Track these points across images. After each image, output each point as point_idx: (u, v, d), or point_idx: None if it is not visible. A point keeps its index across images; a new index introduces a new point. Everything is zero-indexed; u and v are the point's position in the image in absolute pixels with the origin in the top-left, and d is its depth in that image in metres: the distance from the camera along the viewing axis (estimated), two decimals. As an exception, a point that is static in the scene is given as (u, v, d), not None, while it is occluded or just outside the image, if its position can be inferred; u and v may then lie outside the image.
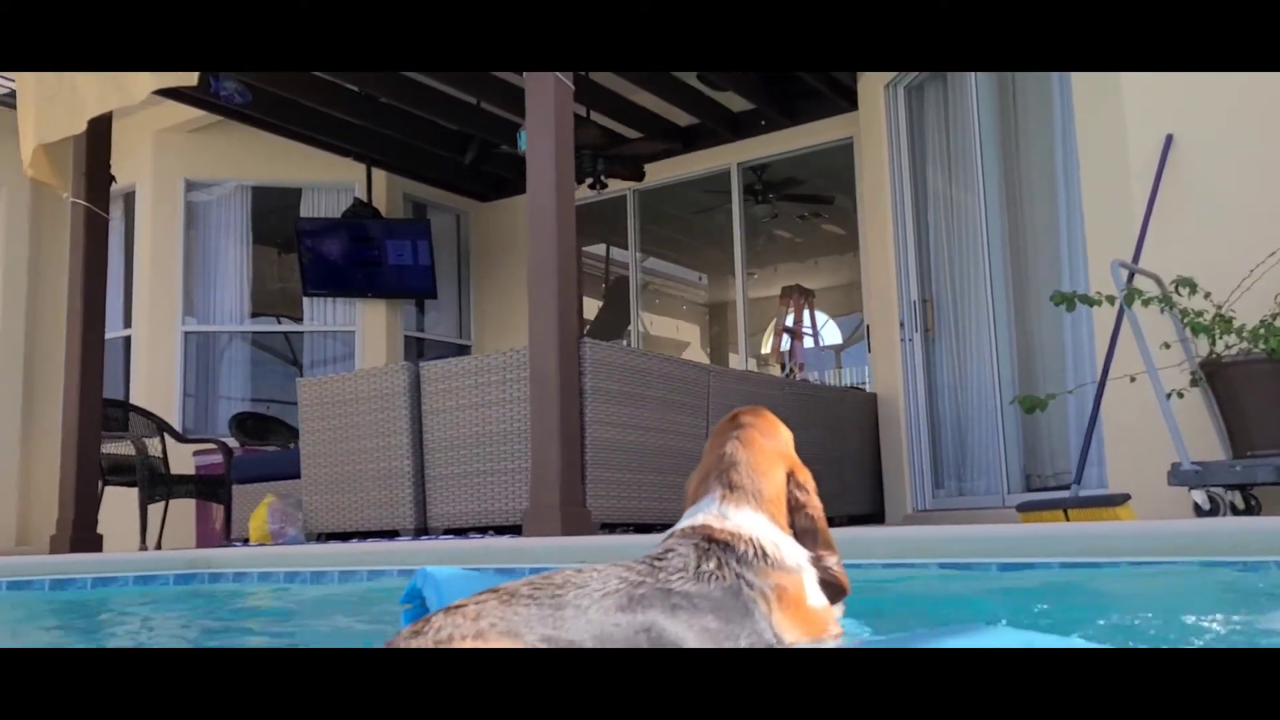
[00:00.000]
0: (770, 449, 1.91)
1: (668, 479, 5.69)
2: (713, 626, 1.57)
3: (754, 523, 1.74)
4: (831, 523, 6.66)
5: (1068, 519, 4.37)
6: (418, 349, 9.98)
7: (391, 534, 5.77)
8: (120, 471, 7.40)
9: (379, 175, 9.59)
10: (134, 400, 8.65)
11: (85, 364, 6.80)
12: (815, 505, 1.91)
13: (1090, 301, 4.57)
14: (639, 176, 8.88)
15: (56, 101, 6.47)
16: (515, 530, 5.30)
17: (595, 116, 8.70)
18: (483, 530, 5.47)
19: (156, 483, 7.30)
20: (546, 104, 5.21)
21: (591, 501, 5.18)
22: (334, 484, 5.92)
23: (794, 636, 1.69)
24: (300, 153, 9.12)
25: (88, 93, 6.26)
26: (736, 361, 12.34)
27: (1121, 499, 4.28)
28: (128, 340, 9.11)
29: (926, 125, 7.75)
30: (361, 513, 5.83)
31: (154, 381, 8.84)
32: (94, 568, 5.31)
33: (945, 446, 7.53)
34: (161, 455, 7.69)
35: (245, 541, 6.24)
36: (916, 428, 7.58)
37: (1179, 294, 4.49)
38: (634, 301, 10.43)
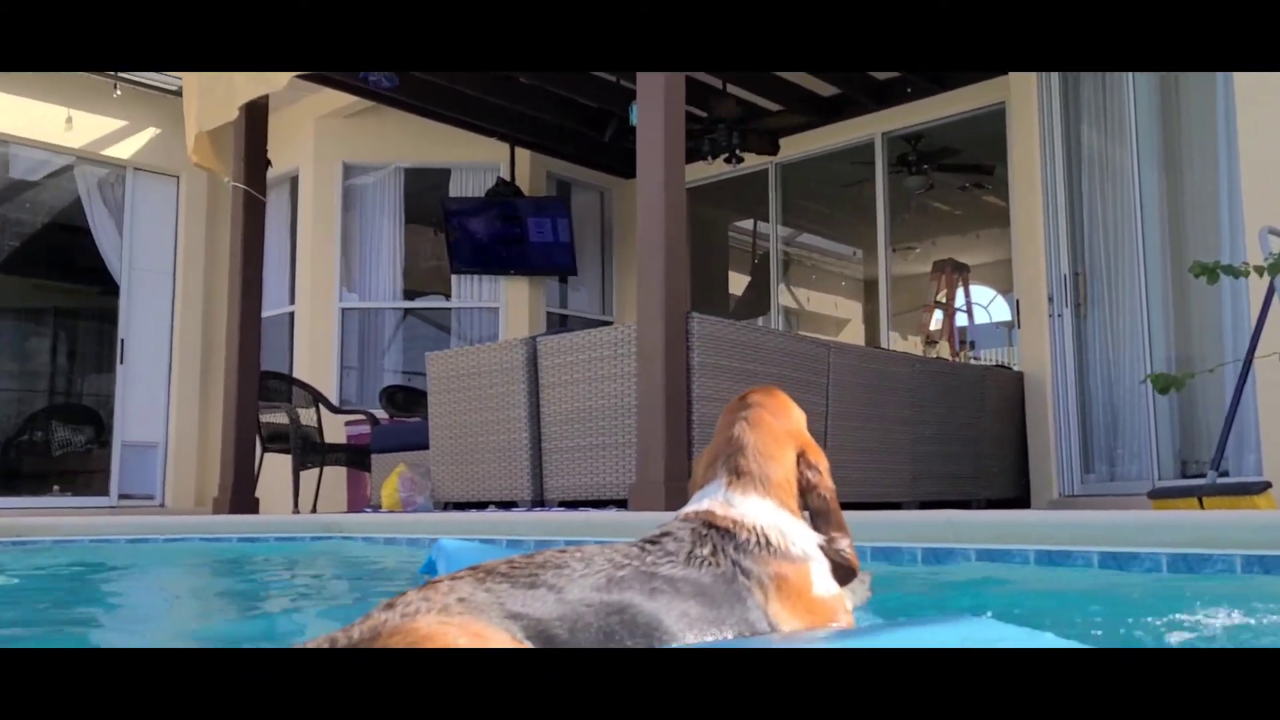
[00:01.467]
0: (780, 430, 1.84)
1: (783, 456, 5.59)
2: (694, 612, 1.54)
3: (759, 510, 1.71)
4: (968, 506, 6.49)
5: (1202, 508, 4.04)
6: (561, 325, 10.16)
7: (511, 504, 5.92)
8: (278, 440, 7.87)
9: (522, 154, 9.80)
10: (297, 373, 9.20)
11: (243, 338, 7.26)
12: (827, 486, 1.83)
13: (1234, 273, 4.19)
14: (773, 150, 8.72)
15: (214, 90, 6.91)
16: (624, 504, 5.34)
17: (732, 89, 8.60)
18: (594, 504, 5.53)
19: (309, 451, 7.73)
20: (656, 79, 5.18)
21: (699, 477, 5.15)
22: (459, 455, 6.12)
23: (793, 626, 1.64)
24: (448, 134, 9.42)
25: (238, 81, 6.65)
26: (893, 339, 12.02)
27: (1261, 487, 3.92)
28: (292, 316, 9.66)
29: (1081, 87, 7.28)
30: (483, 483, 6.00)
31: (315, 355, 9.36)
32: (240, 528, 5.69)
33: (1096, 428, 7.10)
34: (316, 425, 8.14)
35: (378, 508, 6.53)
36: (1065, 408, 7.18)
37: (1332, 263, 4.06)
38: (774, 276, 10.29)
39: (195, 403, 9.67)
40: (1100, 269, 7.06)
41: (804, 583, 1.67)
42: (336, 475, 8.45)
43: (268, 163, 7.62)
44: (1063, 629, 1.73)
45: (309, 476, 8.05)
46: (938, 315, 11.43)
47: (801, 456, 1.81)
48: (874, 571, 2.07)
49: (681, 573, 1.57)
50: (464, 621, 1.40)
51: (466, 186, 9.86)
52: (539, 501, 5.75)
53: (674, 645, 1.48)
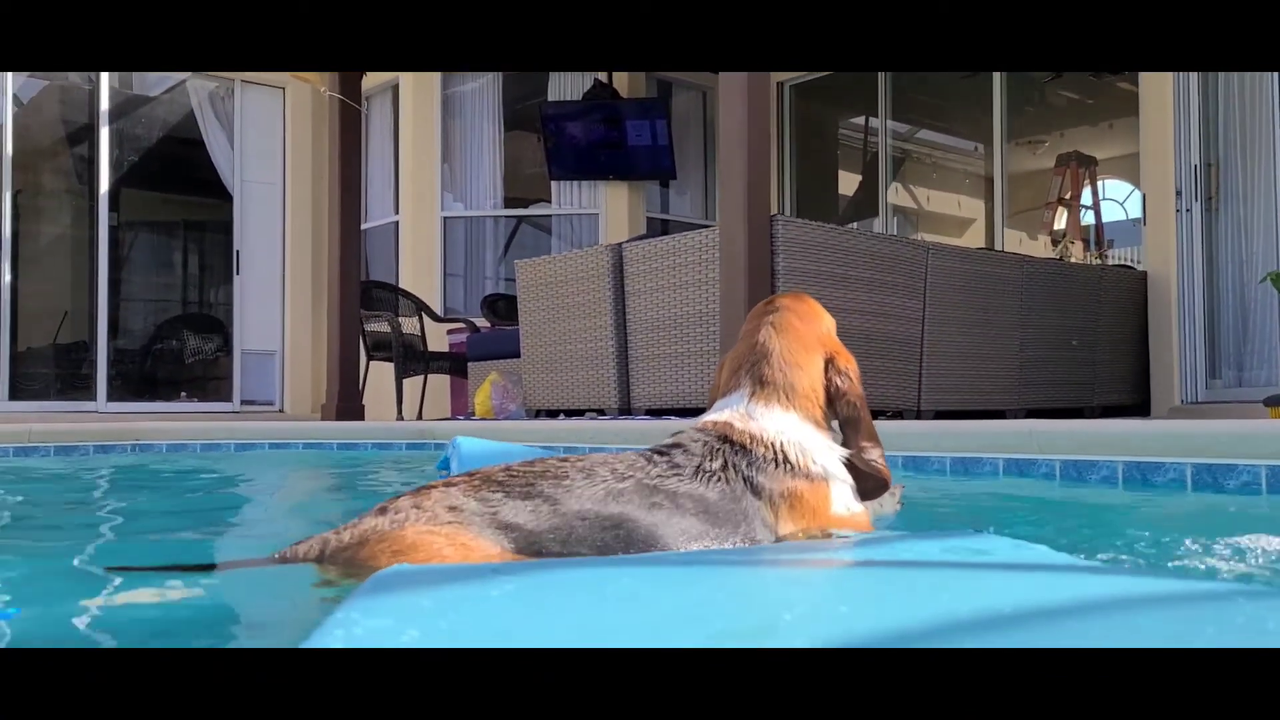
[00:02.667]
0: (808, 335, 1.75)
1: (875, 364, 5.41)
2: (695, 529, 1.48)
3: (781, 423, 1.63)
4: (1080, 414, 6.25)
5: (1321, 418, 3.73)
6: (662, 230, 10.03)
7: (599, 412, 5.93)
8: (382, 348, 8.06)
9: (620, 55, 9.56)
10: (402, 282, 9.36)
11: (344, 247, 7.41)
12: (856, 393, 1.73)
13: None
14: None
15: None
16: (709, 412, 5.27)
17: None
18: (679, 412, 5.49)
19: (411, 359, 7.89)
20: (738, -33, 4.92)
21: (784, 385, 5.04)
22: (549, 363, 6.14)
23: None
24: (544, 37, 9.24)
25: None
26: (1014, 238, 11.45)
27: (1387, 396, 3.58)
28: (397, 226, 9.81)
29: (1218, -43, 6.63)
30: (572, 391, 6.02)
31: (418, 264, 9.50)
32: (339, 434, 5.87)
33: (1223, 332, 6.65)
34: (419, 334, 8.29)
35: (471, 415, 6.64)
36: (1190, 310, 6.74)
37: None
38: (883, 176, 9.89)
39: (308, 312, 9.97)
40: (1234, 160, 6.52)
41: (820, 501, 1.59)
42: (442, 383, 8.64)
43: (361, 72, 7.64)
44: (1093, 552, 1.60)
45: (414, 384, 8.24)
46: (1064, 214, 10.82)
47: (830, 363, 1.72)
48: (904, 485, 1.97)
49: (686, 487, 1.51)
50: (451, 531, 1.38)
51: (565, 90, 9.73)
52: (625, 409, 5.74)
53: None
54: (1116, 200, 12.84)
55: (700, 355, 5.34)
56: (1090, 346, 6.76)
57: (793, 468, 1.59)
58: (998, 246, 9.15)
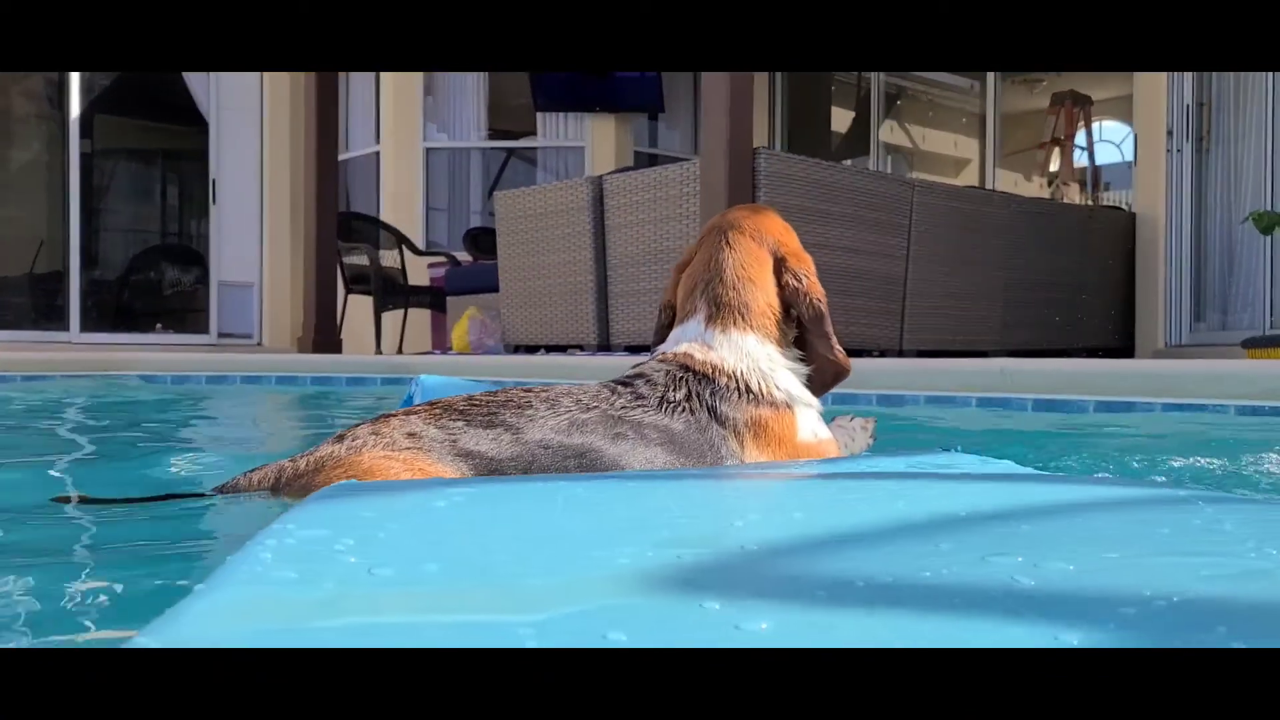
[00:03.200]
0: (760, 246, 1.69)
1: (857, 302, 5.34)
2: (660, 460, 1.46)
3: (741, 351, 1.59)
4: (1064, 356, 6.15)
5: (1302, 361, 3.68)
6: (650, 164, 9.87)
7: (578, 348, 5.85)
8: (362, 281, 7.94)
9: (608, -16, 9.33)
10: (383, 214, 9.21)
11: (320, 177, 7.26)
12: (817, 293, 1.68)
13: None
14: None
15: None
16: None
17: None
18: (659, 348, 5.42)
19: (390, 293, 7.78)
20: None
21: (763, 322, 4.97)
22: (527, 298, 6.05)
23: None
24: (529, -37, 9.00)
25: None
26: (1009, 180, 11.31)
27: (1369, 340, 3.53)
28: (378, 156, 9.62)
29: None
30: (551, 326, 5.94)
31: (399, 196, 9.34)
32: (312, 368, 5.79)
33: (1209, 274, 6.60)
34: (399, 267, 8.17)
35: (449, 350, 6.56)
36: (1177, 252, 6.68)
37: None
38: (874, 113, 9.73)
39: (287, 243, 9.81)
40: (1227, 100, 6.40)
41: (785, 429, 1.56)
42: (422, 317, 8.54)
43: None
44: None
45: (394, 319, 8.14)
46: (1058, 154, 10.67)
47: (782, 265, 1.67)
48: (876, 419, 1.92)
49: (651, 418, 1.48)
50: (409, 457, 1.36)
51: (550, 19, 9.49)
52: (605, 345, 5.67)
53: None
54: (1113, 142, 12.68)
55: (679, 291, 5.26)
56: (1077, 289, 6.70)
57: (755, 396, 1.56)
58: (989, 186, 9.04)
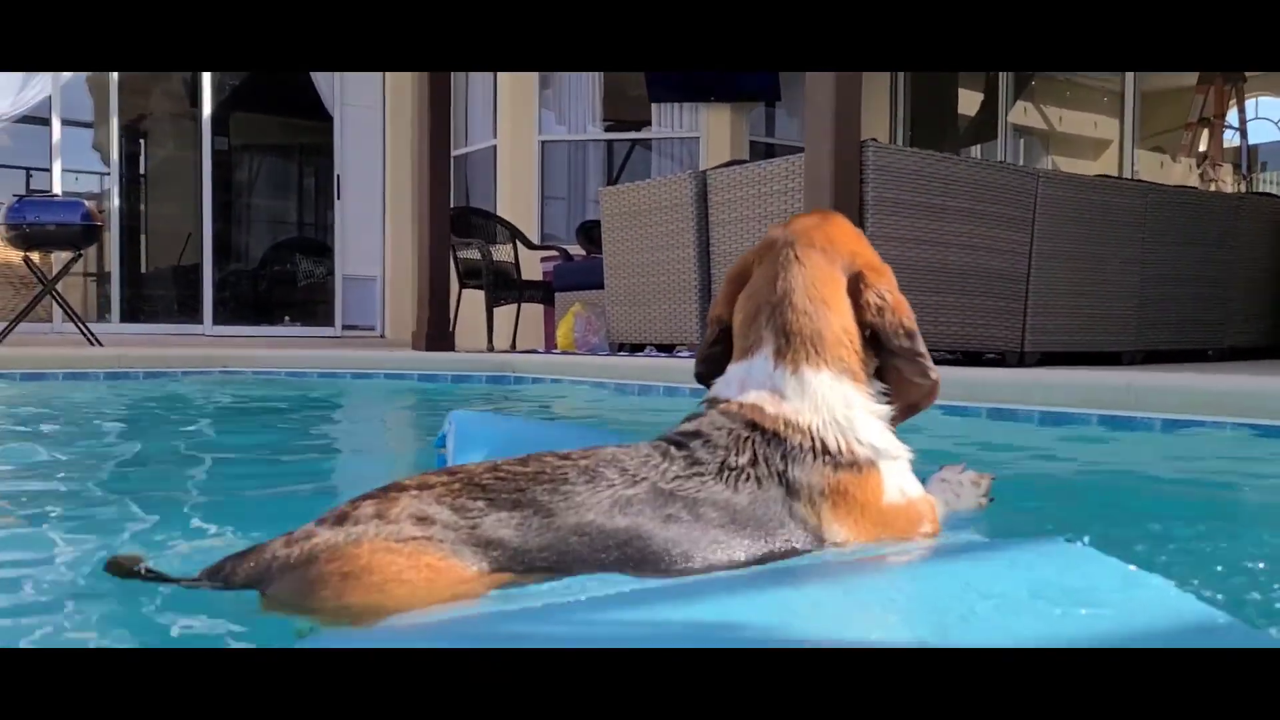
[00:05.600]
0: (832, 264, 1.47)
1: (974, 301, 5.07)
2: (719, 543, 1.27)
3: (817, 398, 1.38)
4: (1205, 357, 5.74)
5: None
6: (766, 154, 9.66)
7: (684, 347, 5.75)
8: (475, 276, 8.01)
9: (724, -30, 9.14)
10: (499, 208, 9.29)
11: (433, 171, 7.33)
12: (904, 309, 1.46)
13: None
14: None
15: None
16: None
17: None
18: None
19: (502, 287, 7.82)
20: None
21: (872, 324, 4.76)
22: (632, 295, 5.97)
23: (857, 542, 1.34)
24: (644, -48, 8.89)
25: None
26: (1154, 162, 10.65)
27: None
28: (495, 150, 9.70)
29: None
30: (654, 325, 5.84)
31: (516, 189, 9.40)
32: (419, 365, 5.85)
33: (1376, 269, 6.03)
34: (513, 261, 8.21)
35: (554, 349, 6.54)
36: (1339, 244, 6.12)
37: None
38: (1003, 94, 9.28)
39: (408, 238, 10.01)
40: (1400, 75, 5.81)
41: (869, 493, 1.36)
42: (536, 312, 8.57)
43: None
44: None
45: (508, 313, 8.19)
46: (1206, 135, 9.98)
47: (859, 282, 1.44)
48: (994, 475, 1.66)
49: (709, 492, 1.29)
50: (415, 550, 1.17)
51: (665, 8, 9.38)
52: (708, 344, 5.54)
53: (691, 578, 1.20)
54: (1270, 119, 11.80)
55: (784, 290, 5.09)
56: (1222, 284, 6.22)
57: (834, 457, 1.35)
58: (1129, 171, 8.51)
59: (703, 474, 1.30)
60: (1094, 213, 5.52)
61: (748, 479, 1.31)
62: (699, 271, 5.52)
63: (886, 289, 1.45)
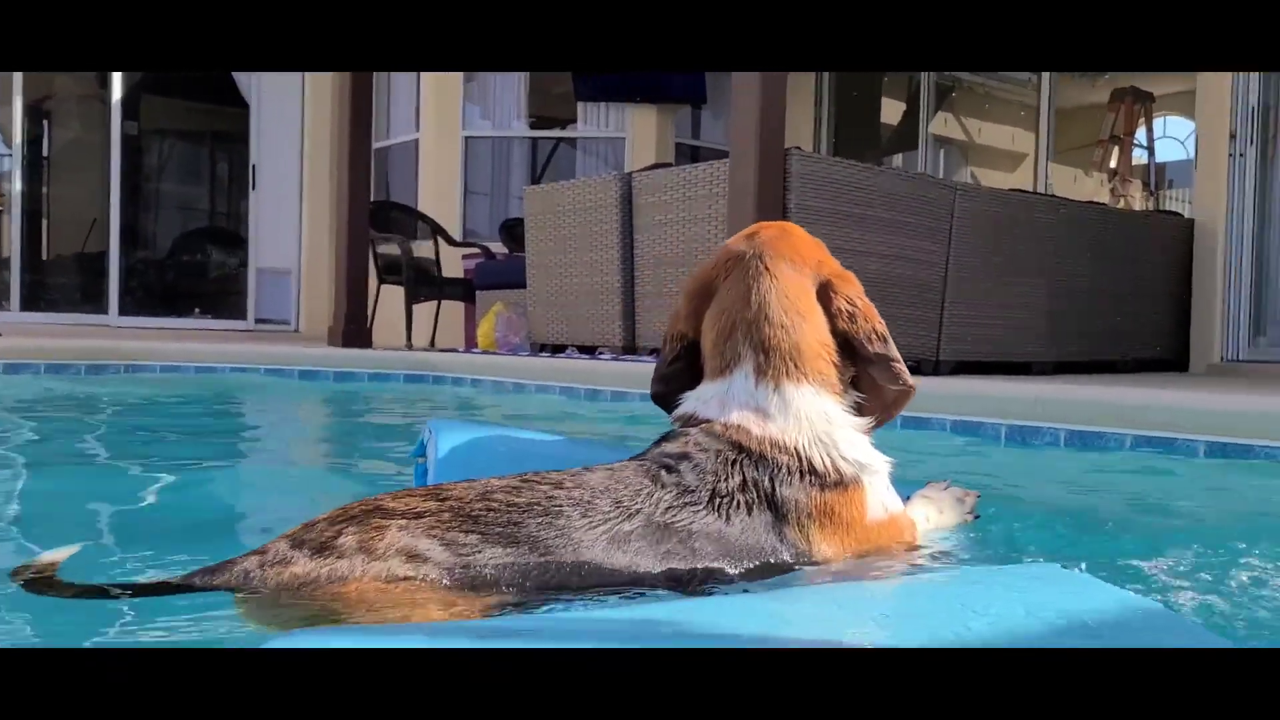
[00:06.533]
0: (801, 274, 1.47)
1: (892, 310, 5.12)
2: (718, 570, 1.27)
3: (800, 417, 1.38)
4: (1114, 368, 5.88)
5: (1363, 394, 3.42)
6: (692, 157, 9.69)
7: (604, 349, 5.72)
8: (395, 271, 7.87)
9: (653, -29, 9.14)
10: (421, 203, 9.14)
11: (353, 164, 7.18)
12: (874, 316, 1.46)
13: None
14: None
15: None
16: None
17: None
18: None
19: (423, 284, 7.70)
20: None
21: (792, 330, 4.79)
22: (554, 296, 5.92)
23: (842, 558, 1.35)
24: (573, -50, 8.84)
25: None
26: (1067, 175, 10.94)
27: None
28: (418, 144, 9.54)
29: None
30: (577, 326, 5.81)
31: (439, 184, 9.26)
32: (336, 362, 5.72)
33: (1272, 286, 6.28)
34: (434, 257, 8.09)
35: (475, 348, 6.46)
36: (1238, 261, 6.37)
37: None
38: (924, 106, 9.45)
39: (325, 231, 9.80)
40: (1297, 101, 6.06)
41: (855, 512, 1.37)
42: (456, 309, 8.46)
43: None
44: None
45: (428, 310, 8.07)
46: (1116, 152, 10.28)
47: (829, 291, 1.44)
48: (979, 494, 1.67)
49: (701, 523, 1.27)
50: (407, 591, 1.10)
51: (593, 7, 9.34)
52: (630, 349, 5.53)
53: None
54: (1177, 139, 12.22)
55: (706, 295, 5.10)
56: (1129, 298, 6.41)
57: (820, 477, 1.36)
58: (1043, 184, 8.73)
59: (695, 504, 1.29)
60: (1008, 225, 5.64)
61: (738, 506, 1.31)
62: (622, 274, 5.50)
63: (855, 296, 1.46)
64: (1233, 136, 6.29)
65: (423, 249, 8.06)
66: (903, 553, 1.42)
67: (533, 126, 9.70)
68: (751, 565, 1.27)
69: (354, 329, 7.15)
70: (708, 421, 1.40)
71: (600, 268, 5.60)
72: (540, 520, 1.20)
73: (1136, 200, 10.20)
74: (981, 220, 5.49)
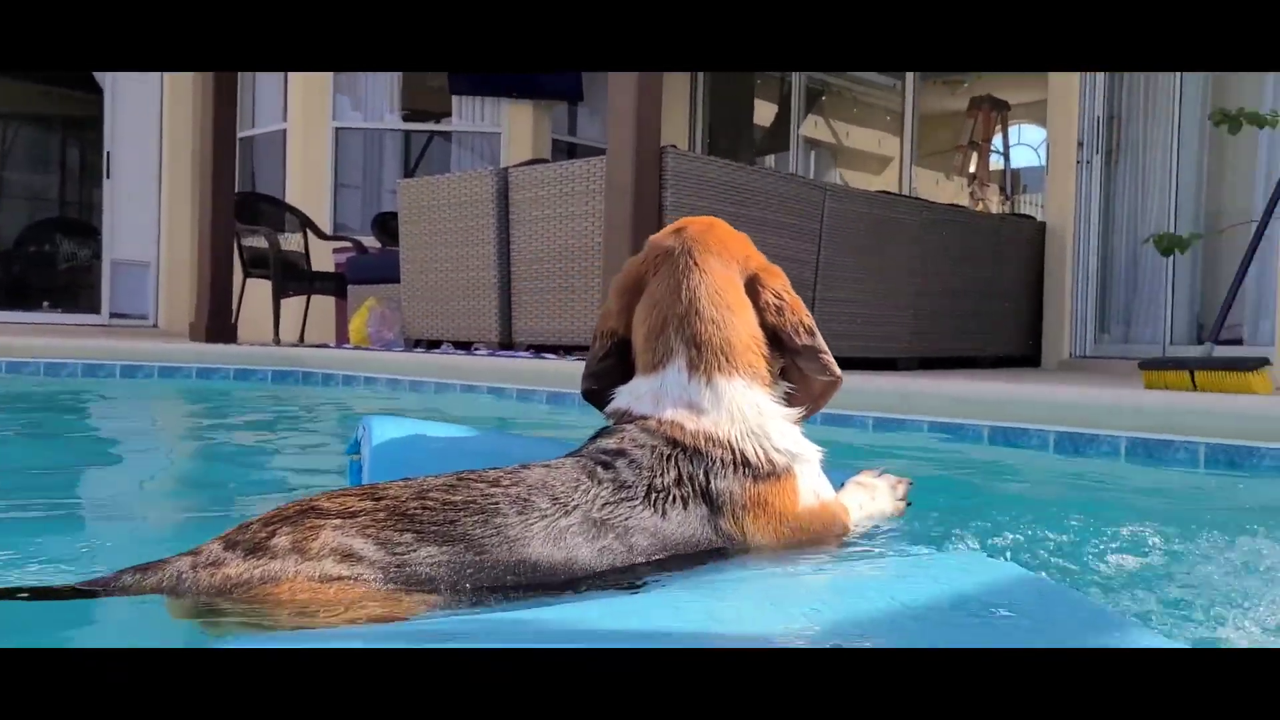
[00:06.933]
0: (729, 268, 1.49)
1: (764, 307, 5.25)
2: (653, 561, 1.28)
3: (733, 409, 1.40)
4: (974, 364, 6.07)
5: (1194, 382, 3.68)
6: (568, 154, 9.69)
7: (481, 345, 5.68)
8: (261, 265, 7.63)
9: (529, -34, 9.10)
10: (289, 195, 8.88)
11: (217, 155, 6.93)
12: (800, 309, 1.49)
13: (1261, 121, 3.69)
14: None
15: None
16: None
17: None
18: (563, 349, 5.27)
19: (291, 278, 7.49)
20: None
21: (668, 327, 4.85)
22: (430, 291, 5.85)
23: (776, 547, 1.38)
24: (448, -59, 8.72)
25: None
26: (930, 179, 11.35)
27: (1256, 363, 3.54)
28: (285, 134, 9.27)
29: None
30: (453, 321, 5.75)
31: (308, 176, 9.01)
32: (198, 358, 5.51)
33: (1115, 287, 6.66)
34: (303, 251, 7.87)
35: (347, 343, 6.33)
36: (1084, 264, 6.73)
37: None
38: (795, 109, 9.68)
39: (187, 222, 9.42)
40: (1137, 114, 6.45)
41: (787, 501, 1.40)
42: (326, 305, 8.25)
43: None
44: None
45: (296, 305, 7.84)
46: (975, 157, 10.76)
47: (756, 284, 1.47)
48: (911, 481, 1.71)
49: (638, 519, 1.28)
50: (341, 592, 1.09)
51: (468, 0, 9.23)
52: (507, 344, 5.50)
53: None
54: (1030, 145, 12.84)
55: (585, 291, 5.12)
56: (987, 297, 6.71)
57: (755, 468, 1.38)
58: (908, 187, 9.05)
59: (631, 499, 1.30)
60: (874, 226, 5.84)
61: (674, 500, 1.32)
62: (499, 269, 5.47)
63: (782, 289, 1.49)
64: (1080, 145, 6.65)
65: (291, 242, 7.84)
66: (835, 542, 1.46)
67: (406, 119, 9.53)
68: (688, 558, 1.29)
69: (218, 324, 6.90)
70: (643, 417, 1.41)
71: (476, 263, 5.56)
72: (477, 518, 1.19)
73: (993, 204, 10.69)
74: (850, 221, 5.66)
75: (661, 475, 1.33)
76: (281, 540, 1.12)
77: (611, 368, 1.53)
